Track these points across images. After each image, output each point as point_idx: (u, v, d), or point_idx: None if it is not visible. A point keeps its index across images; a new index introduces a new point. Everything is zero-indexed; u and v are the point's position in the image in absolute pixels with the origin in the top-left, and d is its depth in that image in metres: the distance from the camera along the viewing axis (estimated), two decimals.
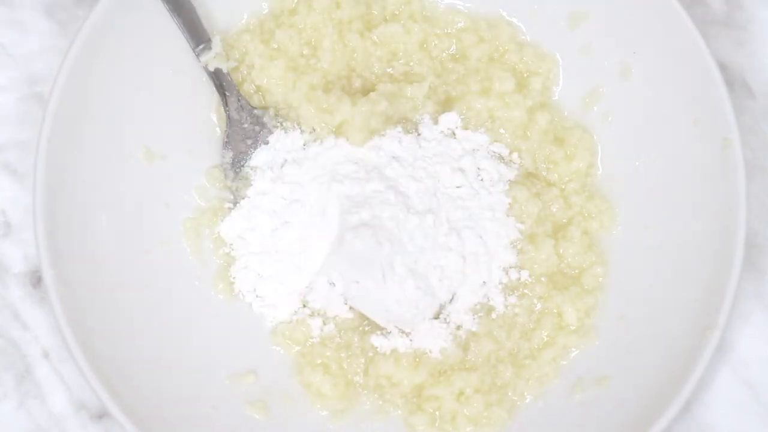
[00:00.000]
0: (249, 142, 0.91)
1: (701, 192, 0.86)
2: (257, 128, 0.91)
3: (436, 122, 0.92)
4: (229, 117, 0.90)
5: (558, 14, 0.92)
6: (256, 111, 0.91)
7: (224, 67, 0.90)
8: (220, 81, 0.90)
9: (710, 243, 0.84)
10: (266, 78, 0.91)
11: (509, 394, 0.86)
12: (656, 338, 0.84)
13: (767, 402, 0.89)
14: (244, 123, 0.90)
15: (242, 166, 0.91)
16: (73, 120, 0.84)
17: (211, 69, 0.90)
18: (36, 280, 0.91)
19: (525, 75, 0.93)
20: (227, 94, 0.90)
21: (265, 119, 0.91)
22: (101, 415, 0.88)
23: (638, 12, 0.88)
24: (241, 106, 0.90)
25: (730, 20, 0.97)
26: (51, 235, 0.81)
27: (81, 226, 0.84)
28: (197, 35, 0.89)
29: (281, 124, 0.91)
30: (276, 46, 0.92)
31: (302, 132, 0.91)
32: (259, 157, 0.90)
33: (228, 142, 0.91)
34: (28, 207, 0.85)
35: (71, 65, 0.83)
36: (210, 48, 0.89)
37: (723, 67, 0.85)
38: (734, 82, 0.87)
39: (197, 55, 0.89)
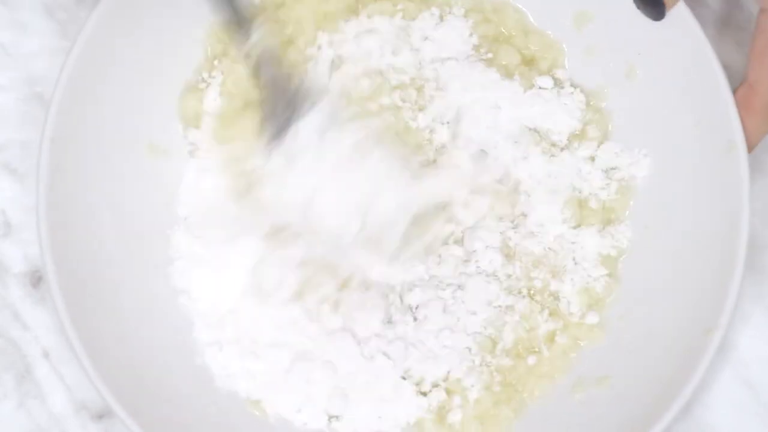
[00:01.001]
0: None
1: (704, 193, 0.86)
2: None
3: None
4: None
5: (564, 14, 0.92)
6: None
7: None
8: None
9: (712, 244, 0.84)
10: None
11: (517, 391, 0.86)
12: (657, 338, 0.84)
13: (767, 402, 0.89)
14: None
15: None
16: (76, 119, 0.84)
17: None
18: (36, 280, 0.91)
19: (531, 60, 0.93)
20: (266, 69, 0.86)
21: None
22: (101, 415, 0.88)
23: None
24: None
25: (730, 20, 0.97)
26: (53, 232, 0.81)
27: (83, 225, 0.84)
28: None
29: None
30: None
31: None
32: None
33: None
34: (28, 207, 0.85)
35: (74, 64, 0.83)
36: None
37: (723, 68, 0.85)
38: (734, 82, 0.86)
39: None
